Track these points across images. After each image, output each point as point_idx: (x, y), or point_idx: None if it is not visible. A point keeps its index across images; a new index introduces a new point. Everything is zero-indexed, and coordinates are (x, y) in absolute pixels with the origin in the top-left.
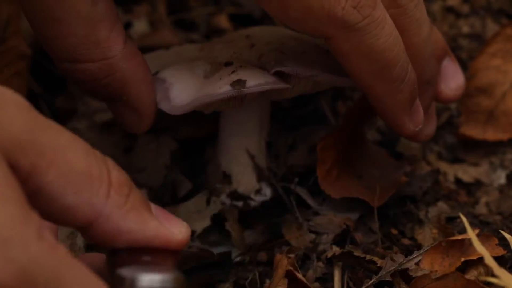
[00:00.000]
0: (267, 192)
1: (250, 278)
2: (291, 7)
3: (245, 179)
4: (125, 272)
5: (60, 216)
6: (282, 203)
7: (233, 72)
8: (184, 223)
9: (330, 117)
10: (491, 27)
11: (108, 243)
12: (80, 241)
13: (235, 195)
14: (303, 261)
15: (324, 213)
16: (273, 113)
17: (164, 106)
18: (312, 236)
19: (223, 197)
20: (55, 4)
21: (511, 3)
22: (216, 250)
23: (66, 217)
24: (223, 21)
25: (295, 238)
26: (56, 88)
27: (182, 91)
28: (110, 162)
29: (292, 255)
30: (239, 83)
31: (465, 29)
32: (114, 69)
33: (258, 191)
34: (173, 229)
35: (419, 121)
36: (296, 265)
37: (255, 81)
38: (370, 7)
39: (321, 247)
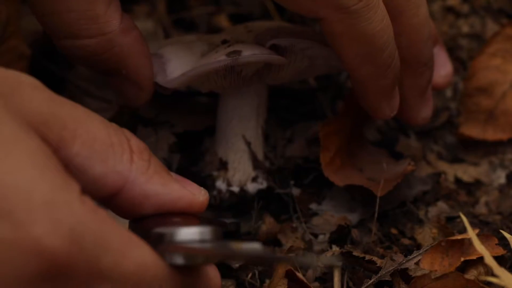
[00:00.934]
0: (263, 181)
1: (250, 277)
2: None
3: (241, 166)
4: (162, 229)
5: (91, 187)
6: (279, 198)
7: (229, 46)
8: (201, 188)
9: (329, 115)
10: (491, 27)
11: (136, 210)
12: None
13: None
14: None
15: (322, 213)
16: (271, 110)
17: (160, 80)
18: (308, 237)
19: (219, 183)
20: None
21: (511, 2)
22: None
23: (96, 187)
24: (223, 20)
25: (291, 241)
26: (56, 88)
27: (179, 65)
28: (127, 131)
29: (291, 255)
30: (235, 53)
31: (465, 28)
32: (113, 44)
33: (254, 179)
34: (195, 191)
35: (396, 107)
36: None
37: (250, 51)
38: None
39: (317, 247)
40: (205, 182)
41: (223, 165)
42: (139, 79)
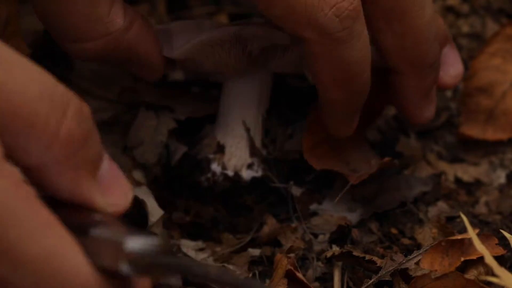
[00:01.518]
0: (259, 169)
1: (250, 277)
2: (275, 5)
3: (238, 152)
4: (104, 233)
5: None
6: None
7: (236, 24)
8: (128, 194)
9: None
10: (491, 26)
11: (49, 192)
12: None
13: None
14: (303, 260)
15: (322, 213)
16: (273, 107)
17: (166, 52)
18: (308, 237)
19: (214, 166)
20: None
21: (511, 2)
22: None
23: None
24: (223, 20)
25: (291, 241)
26: None
27: (186, 37)
28: (72, 111)
29: (292, 255)
30: (240, 24)
31: (465, 28)
32: (119, 41)
33: (250, 166)
34: (108, 199)
35: (353, 127)
36: (296, 264)
37: (256, 27)
38: (352, 19)
39: (317, 247)
40: (200, 164)
41: (220, 149)
42: (150, 62)
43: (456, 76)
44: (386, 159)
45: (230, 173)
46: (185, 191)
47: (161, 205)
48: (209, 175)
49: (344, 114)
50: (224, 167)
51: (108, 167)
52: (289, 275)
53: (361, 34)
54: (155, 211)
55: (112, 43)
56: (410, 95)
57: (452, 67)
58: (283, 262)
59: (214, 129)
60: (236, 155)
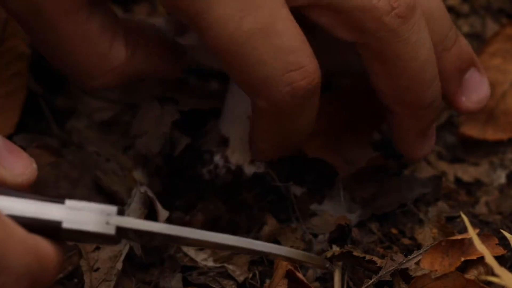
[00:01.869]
0: (261, 165)
1: (250, 276)
2: (232, 68)
3: (242, 146)
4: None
5: None
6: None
7: None
8: (31, 163)
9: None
10: (491, 26)
11: None
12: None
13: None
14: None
15: (322, 214)
16: None
17: (179, 39)
18: (308, 237)
19: (217, 158)
20: (50, 28)
21: (511, 2)
22: None
23: None
24: None
25: (291, 241)
26: (56, 88)
27: None
28: None
29: None
30: None
31: (465, 28)
32: (126, 71)
33: (252, 161)
34: (12, 171)
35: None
36: (296, 264)
37: None
38: (304, 98)
39: (317, 247)
40: (203, 156)
41: (224, 142)
42: (163, 75)
43: (479, 102)
44: (377, 155)
45: (232, 166)
46: (186, 184)
47: (161, 203)
48: (211, 167)
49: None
50: (227, 160)
51: (2, 144)
52: (289, 275)
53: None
54: (161, 213)
55: (120, 74)
56: (405, 135)
57: (474, 92)
58: (283, 262)
59: (218, 123)
60: (239, 149)
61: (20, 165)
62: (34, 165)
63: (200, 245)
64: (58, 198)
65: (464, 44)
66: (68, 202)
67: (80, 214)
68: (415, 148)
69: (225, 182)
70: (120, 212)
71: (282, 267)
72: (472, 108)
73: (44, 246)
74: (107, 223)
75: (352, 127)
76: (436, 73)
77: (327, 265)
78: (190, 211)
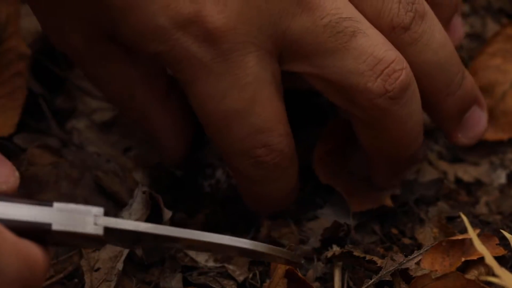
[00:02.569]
0: None
1: (250, 276)
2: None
3: None
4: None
5: None
6: None
7: None
8: (13, 171)
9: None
10: (491, 26)
11: None
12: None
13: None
14: (304, 260)
15: (321, 217)
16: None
17: None
18: (308, 237)
19: (219, 173)
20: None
21: (511, 2)
22: None
23: None
24: None
25: (291, 241)
26: (56, 88)
27: None
28: None
29: None
30: None
31: (465, 28)
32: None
33: None
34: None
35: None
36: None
37: None
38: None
39: (317, 248)
40: (205, 170)
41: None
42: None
43: (475, 138)
44: (388, 201)
45: (234, 182)
46: (186, 193)
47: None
48: (212, 181)
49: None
50: (228, 176)
51: None
52: (289, 275)
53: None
54: (164, 212)
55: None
56: (379, 175)
57: (471, 130)
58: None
59: None
60: None
61: (4, 174)
62: (17, 174)
63: (189, 245)
64: (45, 201)
65: (469, 86)
66: (56, 205)
67: (68, 216)
68: (385, 181)
69: (226, 196)
70: (106, 214)
71: (282, 267)
72: (467, 143)
73: (34, 251)
74: (95, 224)
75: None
76: (421, 131)
77: (302, 262)
78: (191, 216)
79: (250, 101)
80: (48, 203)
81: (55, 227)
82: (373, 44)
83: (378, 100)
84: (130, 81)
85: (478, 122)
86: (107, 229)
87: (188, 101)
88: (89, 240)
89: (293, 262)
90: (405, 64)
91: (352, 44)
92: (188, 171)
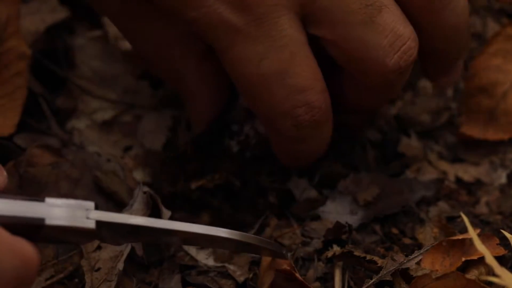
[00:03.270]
0: None
1: (250, 277)
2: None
3: None
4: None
5: None
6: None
7: None
8: (3, 174)
9: None
10: (492, 26)
11: None
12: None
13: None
14: (304, 260)
15: (323, 216)
16: None
17: None
18: (309, 237)
19: (247, 129)
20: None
21: (511, 3)
22: None
23: None
24: None
25: (291, 242)
26: (56, 88)
27: None
28: None
29: (288, 255)
30: None
31: None
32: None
33: None
34: None
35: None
36: (293, 264)
37: None
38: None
39: (318, 248)
40: (231, 127)
41: (251, 115)
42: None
43: (454, 82)
44: None
45: (263, 138)
46: (212, 159)
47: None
48: (241, 138)
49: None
50: (257, 131)
51: None
52: (288, 276)
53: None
54: (164, 212)
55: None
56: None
57: (454, 75)
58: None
59: (240, 98)
60: None
61: None
62: (5, 173)
63: (184, 238)
64: (37, 197)
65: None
66: (48, 200)
67: (61, 211)
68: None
69: (255, 155)
70: (97, 208)
71: (266, 259)
72: (446, 86)
73: (28, 248)
74: (87, 217)
75: None
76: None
77: (284, 252)
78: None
79: (288, 62)
80: (40, 198)
81: (48, 221)
82: (395, 20)
83: (390, 75)
84: (167, 41)
85: (459, 68)
86: (99, 223)
87: (225, 68)
88: (81, 235)
89: (278, 254)
90: (417, 40)
91: (378, 19)
92: (214, 133)
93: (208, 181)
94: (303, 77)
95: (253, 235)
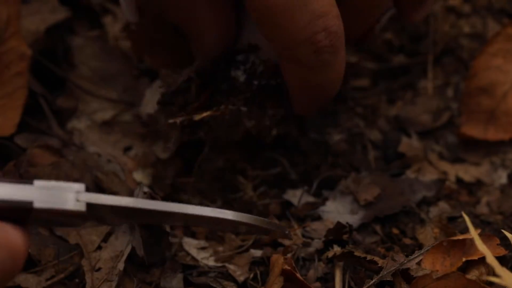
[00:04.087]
0: None
1: (251, 277)
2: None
3: (271, 52)
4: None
5: None
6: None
7: None
8: None
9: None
10: (492, 26)
11: None
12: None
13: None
14: (304, 261)
15: (324, 216)
16: None
17: None
18: (309, 237)
19: (253, 57)
20: None
21: (511, 3)
22: None
23: None
24: None
25: (292, 242)
26: (56, 88)
27: None
28: None
29: (289, 255)
30: None
31: (466, 28)
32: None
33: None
34: None
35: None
36: (295, 265)
37: None
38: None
39: (318, 248)
40: (237, 58)
41: (254, 48)
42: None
43: (424, 14)
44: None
45: (269, 63)
46: (220, 87)
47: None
48: (247, 65)
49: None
50: (262, 61)
51: None
52: (288, 276)
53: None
54: None
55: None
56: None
57: (426, 8)
58: (279, 261)
59: (242, 33)
60: (271, 54)
61: None
62: None
63: (173, 219)
64: (25, 180)
65: None
66: (37, 183)
67: (50, 193)
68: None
69: (262, 85)
70: (87, 190)
71: (278, 266)
72: (417, 20)
73: (14, 236)
74: (77, 200)
75: None
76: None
77: (287, 232)
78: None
79: None
80: (28, 181)
81: (36, 204)
82: None
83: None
84: None
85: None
86: (89, 205)
87: (245, 1)
88: (71, 217)
89: (282, 235)
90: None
91: None
92: (221, 63)
93: (214, 112)
94: (321, 3)
95: (256, 217)
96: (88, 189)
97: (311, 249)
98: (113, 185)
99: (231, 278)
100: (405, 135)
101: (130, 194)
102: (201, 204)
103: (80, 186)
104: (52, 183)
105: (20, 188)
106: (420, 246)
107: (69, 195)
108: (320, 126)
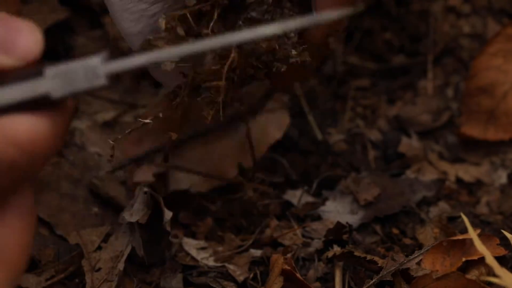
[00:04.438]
0: None
1: (251, 277)
2: None
3: None
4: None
5: None
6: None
7: None
8: (35, 41)
9: None
10: (492, 26)
11: None
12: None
13: None
14: (304, 261)
15: (323, 216)
16: None
17: None
18: (309, 237)
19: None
20: None
21: (511, 3)
22: None
23: None
24: None
25: (292, 242)
26: None
27: None
28: None
29: (289, 255)
30: None
31: (466, 29)
32: None
33: None
34: (15, 55)
35: None
36: (295, 265)
37: None
38: None
39: (318, 248)
40: None
41: None
42: None
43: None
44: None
45: None
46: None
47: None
48: None
49: None
50: None
51: None
52: (288, 276)
53: None
54: (165, 212)
55: None
56: None
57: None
58: (279, 261)
59: None
60: None
61: (21, 47)
62: (38, 37)
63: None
64: (35, 71)
65: None
66: (49, 71)
67: (65, 78)
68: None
69: None
70: (105, 58)
71: (278, 266)
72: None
73: (22, 130)
74: (96, 76)
75: None
76: None
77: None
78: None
79: None
80: (38, 71)
81: (54, 94)
82: None
83: None
84: None
85: None
86: (110, 76)
87: None
88: (95, 90)
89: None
90: None
91: None
92: None
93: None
94: None
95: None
96: (105, 57)
97: (311, 249)
98: (110, 189)
99: (231, 278)
100: (405, 135)
101: (130, 195)
102: None
103: (95, 60)
104: (64, 67)
105: (31, 85)
106: (420, 246)
107: (86, 74)
108: (320, 126)
